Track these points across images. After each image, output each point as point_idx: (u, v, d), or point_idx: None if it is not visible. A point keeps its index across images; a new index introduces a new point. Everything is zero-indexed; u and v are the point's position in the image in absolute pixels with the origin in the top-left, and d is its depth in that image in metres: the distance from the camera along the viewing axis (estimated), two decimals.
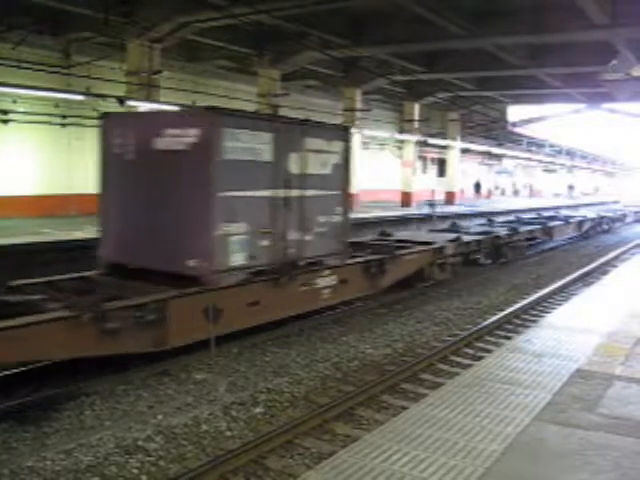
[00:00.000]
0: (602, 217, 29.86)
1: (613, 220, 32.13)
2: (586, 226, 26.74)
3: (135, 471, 5.55)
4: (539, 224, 21.93)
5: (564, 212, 29.96)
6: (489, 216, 25.39)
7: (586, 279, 15.66)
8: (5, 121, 17.69)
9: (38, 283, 8.50)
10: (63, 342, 6.76)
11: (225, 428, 6.45)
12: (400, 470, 3.80)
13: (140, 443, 6.05)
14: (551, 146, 54.05)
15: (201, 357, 8.40)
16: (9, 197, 17.85)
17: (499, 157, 50.73)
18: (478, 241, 16.09)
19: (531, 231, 20.32)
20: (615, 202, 50.68)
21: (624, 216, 35.63)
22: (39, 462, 5.62)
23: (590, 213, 30.16)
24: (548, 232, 22.05)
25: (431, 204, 25.28)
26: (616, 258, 20.08)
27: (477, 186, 49.81)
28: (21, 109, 17.98)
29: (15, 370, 7.27)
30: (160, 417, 6.68)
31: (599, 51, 20.11)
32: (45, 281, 8.62)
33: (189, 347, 8.50)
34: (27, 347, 6.49)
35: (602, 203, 50.97)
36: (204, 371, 8.11)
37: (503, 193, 58.20)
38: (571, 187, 66.22)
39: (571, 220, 24.89)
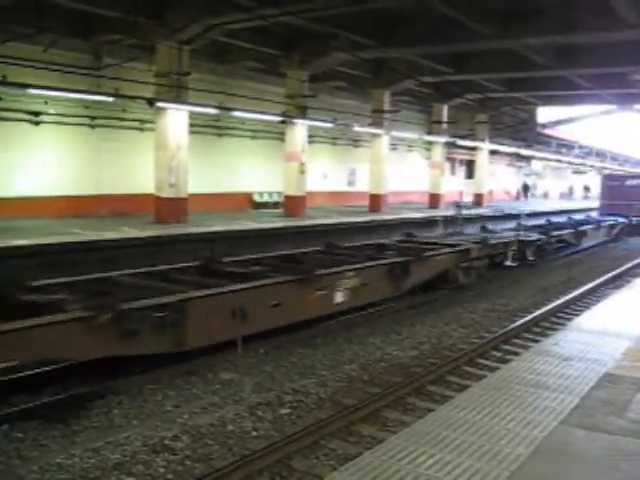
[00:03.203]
0: (504, 243, 15.79)
1: (540, 246, 17.86)
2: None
3: (162, 470, 5.61)
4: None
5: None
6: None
7: (616, 281, 15.48)
8: (37, 123, 17.99)
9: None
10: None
11: (251, 428, 6.48)
12: (425, 473, 3.78)
13: (167, 442, 6.11)
14: (581, 147, 53.29)
15: (228, 357, 8.45)
16: (35, 198, 18.05)
17: (528, 159, 50.24)
18: None
19: None
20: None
21: (580, 235, 21.38)
22: (68, 459, 5.71)
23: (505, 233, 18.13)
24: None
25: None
26: None
27: (525, 187, 50.48)
28: (52, 111, 18.24)
29: (46, 368, 7.38)
30: (186, 416, 6.73)
31: (630, 51, 19.76)
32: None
33: (215, 347, 8.57)
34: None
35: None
36: (230, 371, 8.15)
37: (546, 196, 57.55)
38: (587, 188, 65.48)
39: (381, 263, 11.30)
